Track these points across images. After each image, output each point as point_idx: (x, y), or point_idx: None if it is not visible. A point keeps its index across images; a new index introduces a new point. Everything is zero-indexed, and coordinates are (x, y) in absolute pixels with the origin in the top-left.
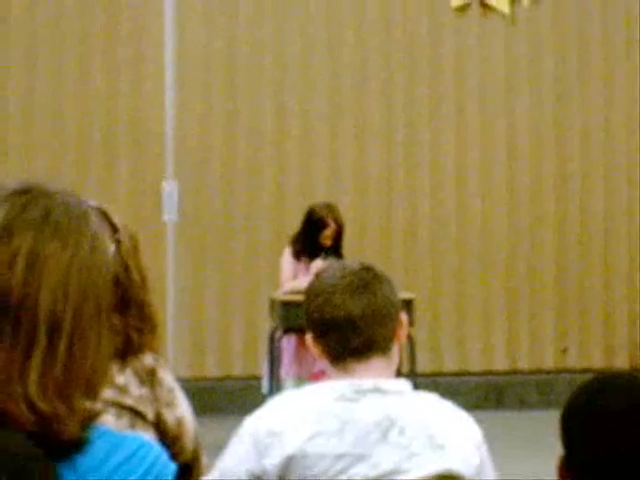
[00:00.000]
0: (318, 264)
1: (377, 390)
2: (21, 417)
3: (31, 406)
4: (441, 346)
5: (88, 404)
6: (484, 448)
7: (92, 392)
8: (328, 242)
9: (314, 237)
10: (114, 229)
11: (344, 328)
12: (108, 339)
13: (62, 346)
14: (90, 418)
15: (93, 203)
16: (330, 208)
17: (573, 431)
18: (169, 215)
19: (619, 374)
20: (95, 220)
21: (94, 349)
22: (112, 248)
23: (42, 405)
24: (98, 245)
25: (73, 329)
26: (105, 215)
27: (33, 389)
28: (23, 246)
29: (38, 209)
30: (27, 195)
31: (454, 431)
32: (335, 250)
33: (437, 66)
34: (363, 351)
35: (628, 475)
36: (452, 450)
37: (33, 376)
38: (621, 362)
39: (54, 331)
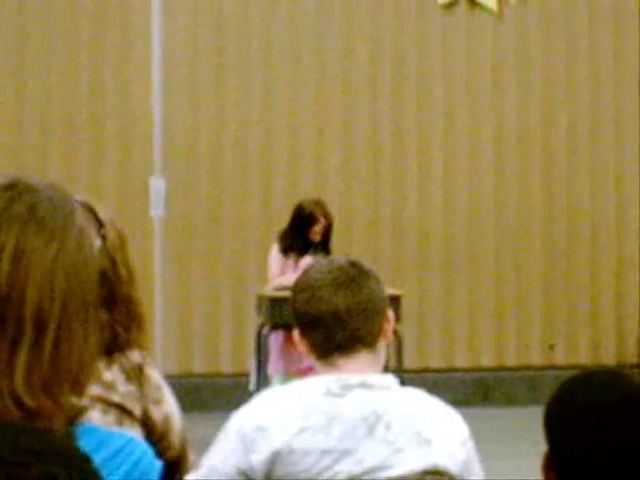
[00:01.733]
0: (307, 261)
1: (363, 385)
2: (7, 412)
3: (17, 401)
4: (428, 342)
5: (74, 400)
6: (470, 444)
7: (78, 388)
8: (317, 238)
9: (303, 233)
10: (100, 224)
11: (330, 323)
12: (95, 335)
13: (48, 341)
14: (76, 414)
15: (79, 198)
16: (319, 204)
17: (556, 427)
18: (156, 211)
19: (602, 370)
20: (81, 215)
21: (80, 345)
22: (98, 243)
23: (28, 401)
24: (84, 240)
25: (59, 324)
26: (91, 210)
27: (19, 384)
28: (9, 242)
29: (23, 204)
30: (12, 190)
31: (441, 427)
32: (323, 246)
33: (425, 63)
34: (349, 346)
35: (612, 472)
36: (438, 446)
37: (19, 371)
38: (608, 359)
39: (40, 326)
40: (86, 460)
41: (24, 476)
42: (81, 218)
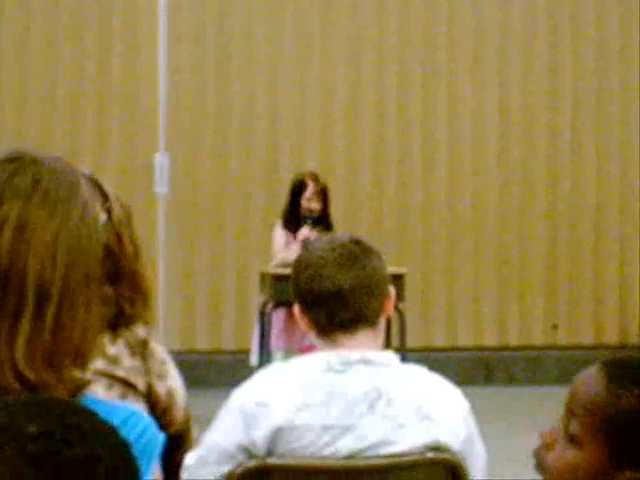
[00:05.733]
0: (304, 232)
1: (364, 361)
2: (7, 385)
3: (18, 374)
4: (431, 321)
5: (77, 373)
6: (471, 420)
7: (81, 361)
8: (313, 205)
9: (296, 201)
10: (105, 198)
11: (332, 301)
12: (97, 308)
13: (50, 313)
14: (79, 387)
15: (85, 171)
16: (310, 172)
17: None
18: (161, 187)
19: None
20: (85, 188)
21: (82, 317)
22: (103, 217)
23: (29, 373)
24: (88, 213)
25: (61, 296)
26: (97, 184)
27: (20, 357)
28: (11, 214)
29: (27, 177)
30: (16, 163)
31: (442, 403)
32: (324, 220)
33: (430, 39)
34: (351, 324)
35: None
36: (440, 421)
37: (20, 343)
38: (611, 339)
39: (42, 298)
40: (127, 445)
41: (67, 454)
42: (85, 191)
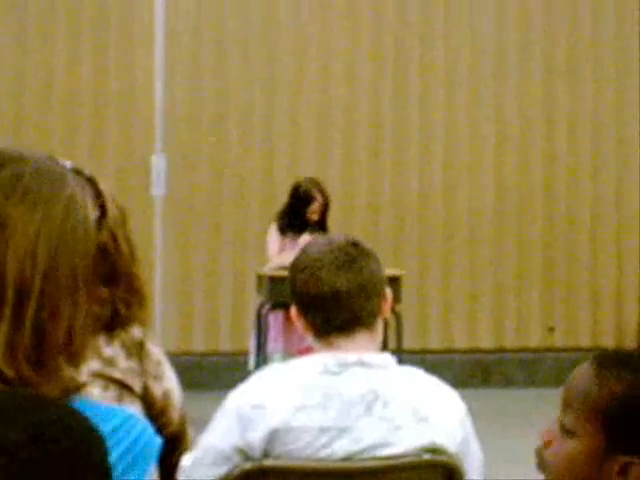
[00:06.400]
0: (307, 239)
1: (361, 363)
2: None
3: None
4: (428, 323)
5: (68, 374)
6: (468, 422)
7: (75, 359)
8: (315, 217)
9: (301, 212)
10: (98, 196)
11: (329, 303)
12: (88, 307)
13: (30, 311)
14: (72, 388)
15: (86, 171)
16: (315, 182)
17: None
18: (157, 189)
19: None
20: (73, 185)
21: (69, 316)
22: (96, 213)
23: (7, 371)
24: (73, 210)
25: (42, 295)
26: (89, 181)
27: None
28: None
29: (8, 174)
30: None
31: (438, 405)
32: (320, 224)
33: (428, 39)
34: (348, 327)
35: None
36: (436, 423)
37: (0, 342)
38: (607, 341)
39: (22, 296)
40: (92, 423)
41: (57, 452)
42: (72, 188)
